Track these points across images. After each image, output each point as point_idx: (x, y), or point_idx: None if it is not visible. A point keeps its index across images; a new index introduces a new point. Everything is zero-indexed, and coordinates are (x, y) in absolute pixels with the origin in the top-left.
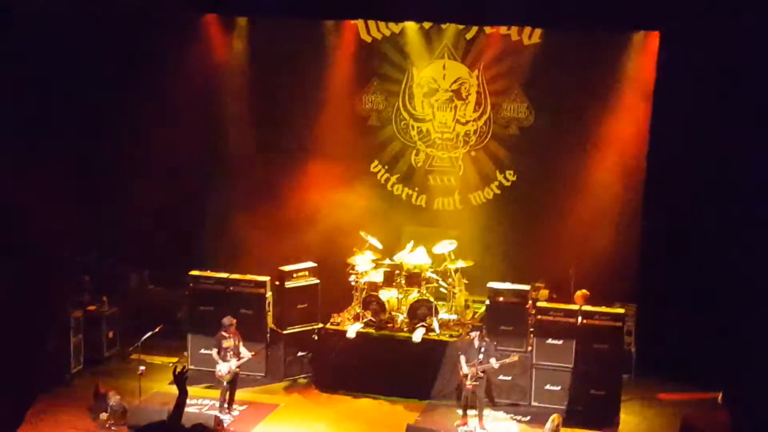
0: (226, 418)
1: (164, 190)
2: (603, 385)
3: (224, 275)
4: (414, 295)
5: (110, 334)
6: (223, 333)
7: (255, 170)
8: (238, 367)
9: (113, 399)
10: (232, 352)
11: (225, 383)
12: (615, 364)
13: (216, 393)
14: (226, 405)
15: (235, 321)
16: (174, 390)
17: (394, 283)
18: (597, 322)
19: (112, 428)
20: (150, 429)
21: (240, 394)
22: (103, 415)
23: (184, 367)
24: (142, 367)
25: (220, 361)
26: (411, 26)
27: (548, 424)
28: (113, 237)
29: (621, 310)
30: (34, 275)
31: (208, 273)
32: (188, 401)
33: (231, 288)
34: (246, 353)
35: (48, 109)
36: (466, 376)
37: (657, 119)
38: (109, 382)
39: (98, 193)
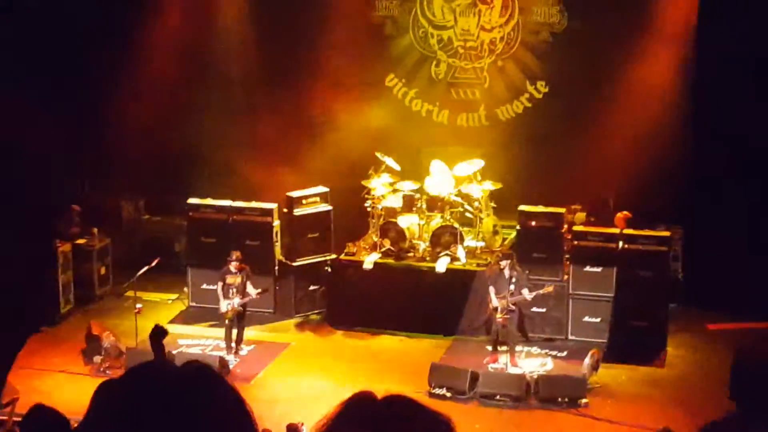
0: (232, 360)
1: (159, 112)
2: (647, 316)
3: (227, 203)
4: (437, 221)
5: (102, 270)
6: (230, 267)
7: (259, 90)
8: (242, 305)
9: (107, 340)
10: (236, 290)
11: (227, 321)
12: (660, 293)
13: (221, 332)
14: (233, 345)
15: (239, 254)
16: (175, 329)
17: (414, 208)
18: (640, 247)
19: (107, 372)
20: (141, 370)
21: (247, 332)
22: (97, 358)
23: (160, 327)
24: (138, 305)
25: (221, 298)
26: None
27: (587, 360)
28: (104, 162)
29: (667, 233)
30: (20, 206)
31: (209, 201)
32: (191, 342)
33: (234, 217)
34: (252, 291)
35: (29, 29)
36: (495, 309)
37: (708, 13)
38: (103, 322)
39: (86, 114)
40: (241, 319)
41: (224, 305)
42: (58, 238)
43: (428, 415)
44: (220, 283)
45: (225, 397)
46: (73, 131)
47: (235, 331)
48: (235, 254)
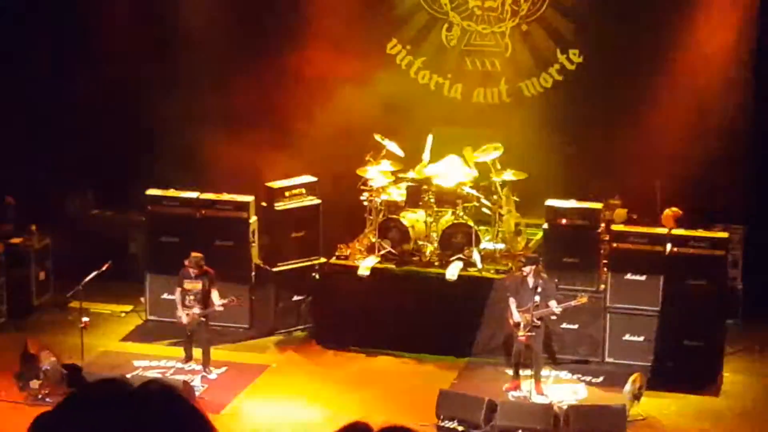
0: (198, 384)
1: (115, 85)
2: (700, 335)
3: (193, 195)
4: (447, 217)
5: (41, 275)
6: (189, 271)
7: (233, 57)
8: (205, 316)
9: (47, 361)
10: (194, 297)
11: (187, 333)
12: (716, 306)
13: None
14: (194, 365)
15: (201, 256)
16: (129, 348)
17: (421, 203)
18: (692, 251)
19: (47, 400)
20: (87, 393)
21: (217, 352)
22: (35, 383)
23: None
24: (85, 319)
25: (179, 306)
26: None
27: (628, 386)
28: (45, 145)
29: (724, 235)
30: None
31: (172, 192)
32: (149, 363)
33: (203, 212)
34: (216, 301)
35: None
36: (517, 324)
37: None
38: (42, 339)
39: (24, 85)
40: (204, 333)
41: (182, 314)
42: None
43: None
44: (178, 289)
45: (193, 426)
46: (6, 106)
47: (197, 349)
48: (194, 256)
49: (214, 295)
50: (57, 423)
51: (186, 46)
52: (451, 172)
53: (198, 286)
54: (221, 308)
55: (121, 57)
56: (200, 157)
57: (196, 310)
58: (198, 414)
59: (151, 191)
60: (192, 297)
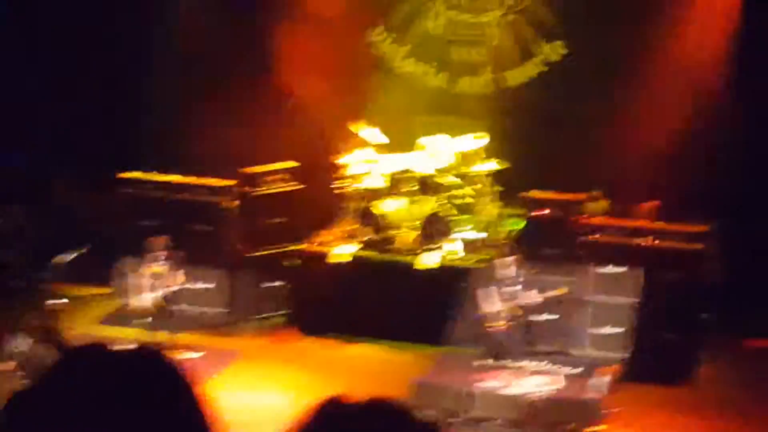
0: None
1: (95, 67)
2: (677, 327)
3: (172, 178)
4: (429, 205)
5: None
6: (155, 253)
7: (214, 43)
8: (169, 298)
9: (22, 343)
10: (159, 279)
11: (151, 319)
12: (694, 299)
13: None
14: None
15: (167, 238)
16: (106, 331)
17: (402, 190)
18: (671, 244)
19: (24, 381)
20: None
21: (194, 336)
22: (10, 364)
23: None
24: (61, 301)
25: (142, 289)
26: None
27: (605, 378)
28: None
29: (703, 228)
30: None
31: (150, 175)
32: (126, 347)
33: (181, 196)
34: (180, 280)
35: None
36: (496, 314)
37: None
38: (17, 321)
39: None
40: (168, 316)
41: (146, 297)
42: None
43: (417, 426)
44: (142, 271)
45: (185, 392)
46: None
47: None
48: (160, 240)
49: (179, 276)
50: (43, 391)
51: (169, 25)
52: (433, 159)
53: (164, 268)
54: (189, 288)
55: (102, 37)
56: (179, 141)
57: (161, 292)
58: (185, 380)
59: (128, 174)
60: (157, 279)
